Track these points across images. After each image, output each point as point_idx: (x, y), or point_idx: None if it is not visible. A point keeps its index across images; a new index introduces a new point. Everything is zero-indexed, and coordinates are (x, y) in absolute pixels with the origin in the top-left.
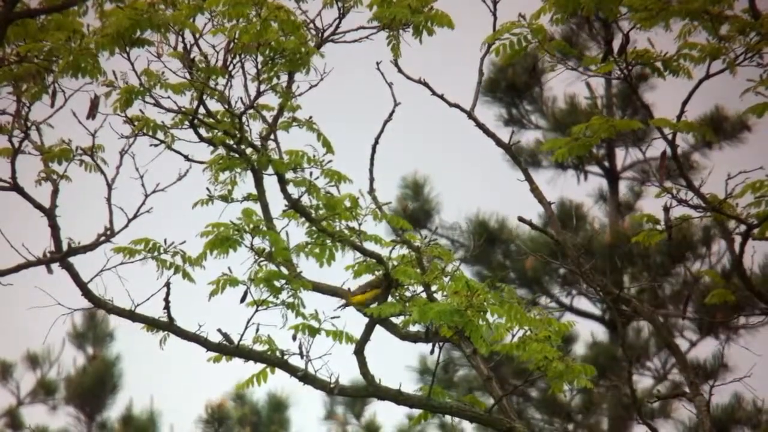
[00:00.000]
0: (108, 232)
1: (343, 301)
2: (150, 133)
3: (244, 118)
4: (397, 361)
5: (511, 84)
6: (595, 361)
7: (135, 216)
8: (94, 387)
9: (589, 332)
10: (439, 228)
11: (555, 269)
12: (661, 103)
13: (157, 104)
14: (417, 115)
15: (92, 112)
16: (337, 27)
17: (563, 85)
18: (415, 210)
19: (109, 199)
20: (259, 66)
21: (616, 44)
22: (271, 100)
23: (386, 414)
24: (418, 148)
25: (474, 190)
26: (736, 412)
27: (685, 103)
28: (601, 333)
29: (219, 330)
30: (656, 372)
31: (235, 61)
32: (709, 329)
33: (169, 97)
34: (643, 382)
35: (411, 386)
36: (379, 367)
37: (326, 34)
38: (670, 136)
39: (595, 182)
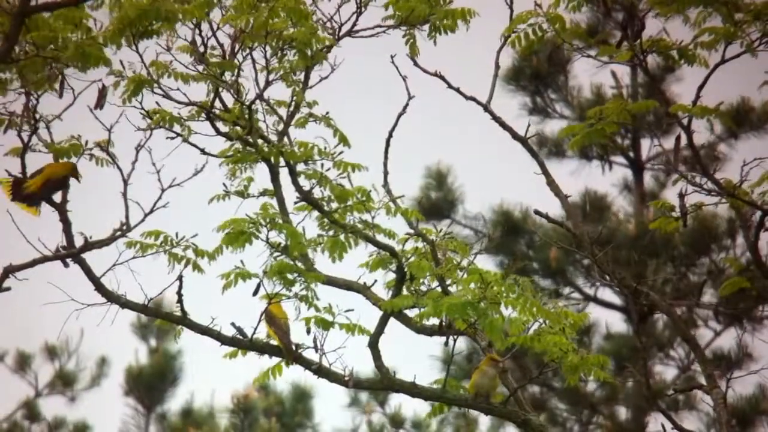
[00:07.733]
0: (124, 227)
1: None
2: (167, 126)
3: (255, 108)
4: (416, 352)
5: (536, 72)
6: (617, 352)
7: (152, 210)
8: (154, 379)
9: (611, 323)
10: (462, 218)
11: (578, 260)
12: (688, 93)
13: (166, 95)
14: (442, 105)
15: (100, 102)
16: (355, 23)
17: (589, 74)
18: (438, 200)
19: (125, 194)
20: (268, 56)
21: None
22: (281, 90)
23: (409, 403)
24: (442, 138)
25: (498, 181)
26: (760, 404)
27: (700, 87)
28: (624, 324)
29: (232, 324)
30: (680, 362)
31: (244, 52)
32: (732, 319)
33: (178, 89)
34: (667, 372)
35: (433, 376)
36: (397, 359)
37: (344, 30)
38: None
39: (620, 173)
